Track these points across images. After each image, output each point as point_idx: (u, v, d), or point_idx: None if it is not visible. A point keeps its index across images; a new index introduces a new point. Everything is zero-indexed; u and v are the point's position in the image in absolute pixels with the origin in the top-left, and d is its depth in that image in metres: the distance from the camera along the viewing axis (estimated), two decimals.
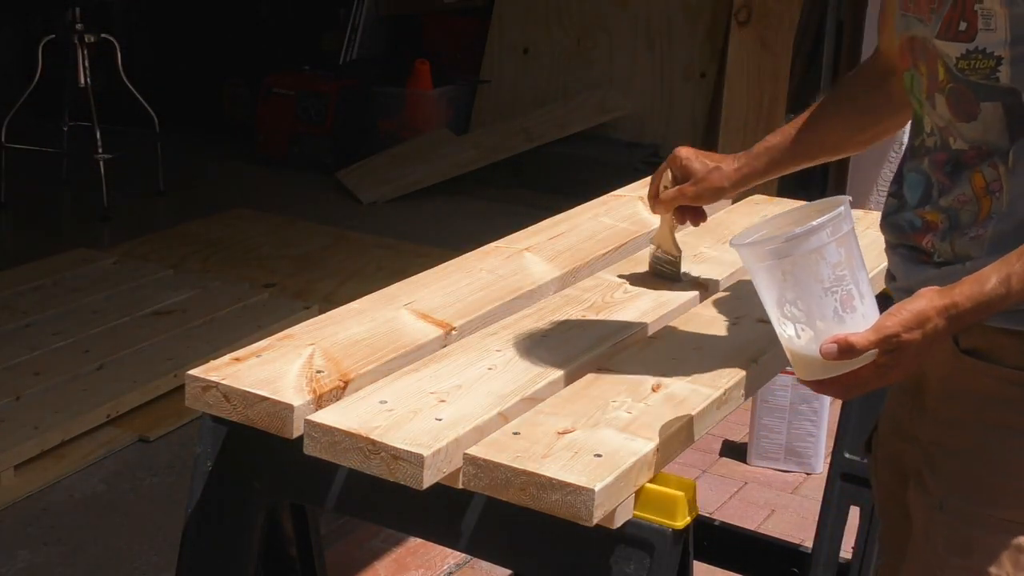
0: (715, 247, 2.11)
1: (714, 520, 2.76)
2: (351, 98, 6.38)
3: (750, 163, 1.77)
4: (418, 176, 6.04)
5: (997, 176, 1.40)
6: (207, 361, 1.56)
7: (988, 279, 1.34)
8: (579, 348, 1.67)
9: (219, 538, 1.66)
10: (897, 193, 1.55)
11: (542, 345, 1.68)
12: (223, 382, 1.50)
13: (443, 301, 1.81)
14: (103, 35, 5.63)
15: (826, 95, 1.76)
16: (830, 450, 2.58)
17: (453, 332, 1.72)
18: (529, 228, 2.17)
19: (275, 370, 1.54)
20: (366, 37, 6.83)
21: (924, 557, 1.49)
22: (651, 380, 1.58)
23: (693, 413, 1.51)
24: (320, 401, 1.48)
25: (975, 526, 1.44)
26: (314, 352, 1.60)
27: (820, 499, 2.35)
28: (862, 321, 1.34)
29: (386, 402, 1.48)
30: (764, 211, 2.35)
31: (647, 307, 1.84)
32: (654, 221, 2.23)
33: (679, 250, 1.93)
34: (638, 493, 1.39)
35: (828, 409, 3.45)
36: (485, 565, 2.92)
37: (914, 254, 1.50)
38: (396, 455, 1.37)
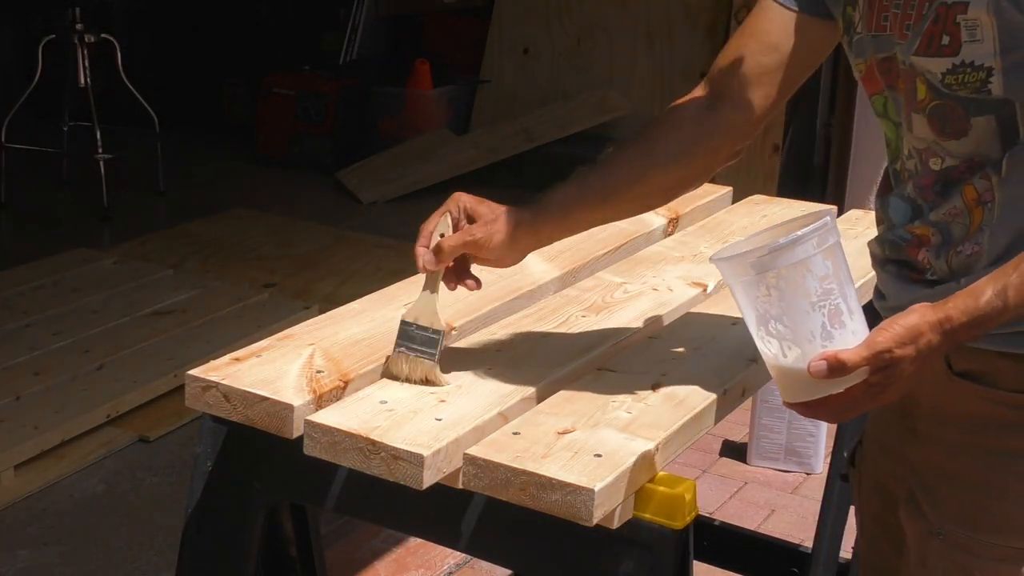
0: (714, 246, 2.11)
1: (714, 520, 2.76)
2: (351, 98, 6.38)
3: (542, 209, 1.57)
4: (418, 176, 6.04)
5: (989, 187, 1.36)
6: (207, 361, 1.56)
7: (983, 292, 1.27)
8: (579, 348, 1.67)
9: (219, 538, 1.66)
10: (882, 217, 1.50)
11: (542, 345, 1.68)
12: (223, 382, 1.50)
13: (443, 301, 1.80)
14: (103, 35, 5.63)
15: (627, 142, 1.62)
16: (830, 450, 2.58)
17: (453, 332, 1.72)
18: None
19: (275, 370, 1.54)
20: (366, 37, 6.83)
21: None
22: (651, 380, 1.58)
23: (693, 413, 1.51)
24: (320, 401, 1.48)
25: (975, 555, 1.40)
26: (314, 352, 1.60)
27: (820, 499, 2.35)
28: (852, 337, 1.26)
29: (386, 402, 1.48)
30: (764, 211, 2.35)
31: (647, 307, 1.84)
32: (653, 220, 2.24)
33: (443, 325, 1.57)
34: (638, 493, 1.39)
35: None
36: (485, 565, 2.92)
37: (905, 271, 1.46)
38: (396, 455, 1.37)
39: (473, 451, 1.37)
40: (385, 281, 1.91)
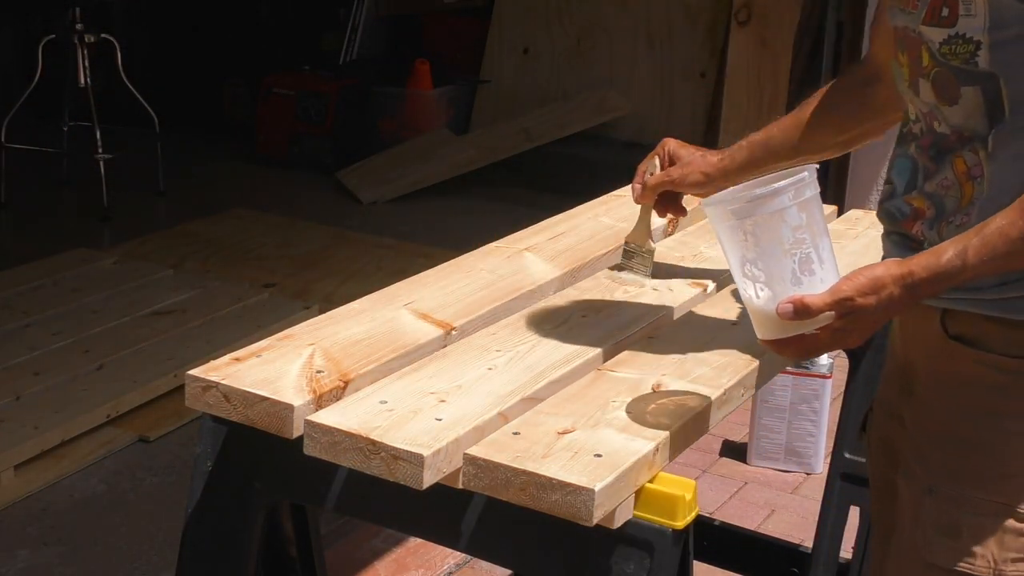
0: (714, 246, 2.11)
1: (714, 520, 2.76)
2: (351, 98, 6.38)
3: (732, 156, 1.82)
4: (418, 176, 6.04)
5: (978, 161, 1.43)
6: (207, 361, 1.56)
7: (945, 251, 1.37)
8: (579, 348, 1.67)
9: (219, 538, 1.66)
10: (889, 179, 1.58)
11: (542, 345, 1.68)
12: (223, 382, 1.50)
13: (443, 301, 1.81)
14: (103, 35, 5.63)
15: (809, 98, 1.79)
16: (830, 450, 2.58)
17: (453, 332, 1.72)
18: (529, 228, 2.17)
19: (275, 370, 1.54)
20: (366, 37, 6.83)
21: (912, 540, 1.52)
22: (651, 380, 1.58)
23: (693, 413, 1.51)
24: (320, 401, 1.48)
25: (964, 509, 1.47)
26: (314, 352, 1.60)
27: (820, 499, 2.35)
28: (819, 285, 1.37)
29: (386, 402, 1.48)
30: None
31: (647, 307, 1.84)
32: (655, 222, 2.23)
33: (653, 246, 1.96)
34: (638, 493, 1.39)
35: (828, 409, 3.45)
36: (485, 565, 2.92)
37: (906, 241, 1.53)
38: (396, 455, 1.37)
39: (473, 451, 1.37)
40: (385, 281, 1.90)
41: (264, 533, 1.67)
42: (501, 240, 2.10)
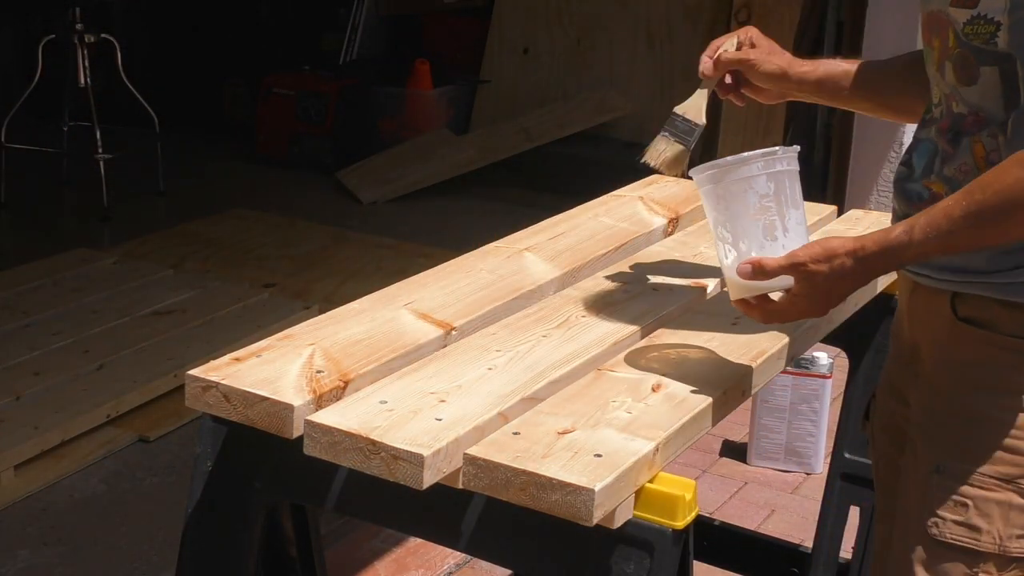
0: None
1: (714, 520, 2.76)
2: (351, 98, 6.38)
3: (813, 69, 1.81)
4: (418, 176, 6.04)
5: (996, 146, 1.46)
6: (207, 361, 1.56)
7: (895, 228, 1.46)
8: (579, 348, 1.67)
9: (219, 538, 1.66)
10: (907, 161, 1.61)
11: (541, 345, 1.68)
12: (223, 382, 1.50)
13: (443, 301, 1.81)
14: (103, 35, 5.63)
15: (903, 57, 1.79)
16: (830, 450, 2.59)
17: (453, 332, 1.72)
18: (529, 228, 2.17)
19: (275, 370, 1.54)
20: (366, 37, 6.83)
21: (919, 517, 1.54)
22: (651, 380, 1.58)
23: (693, 413, 1.51)
24: (320, 401, 1.48)
25: (970, 484, 1.50)
26: (314, 352, 1.60)
27: (820, 499, 2.36)
28: (780, 251, 1.49)
29: (386, 402, 1.48)
30: None
31: (647, 307, 1.84)
32: (653, 220, 2.24)
33: (703, 121, 1.88)
34: (638, 493, 1.39)
35: (828, 409, 3.45)
36: (485, 565, 2.92)
37: None
38: (396, 455, 1.37)
39: (473, 451, 1.37)
40: (385, 281, 1.90)
41: (264, 533, 1.67)
42: (501, 240, 2.10)
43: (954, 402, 1.54)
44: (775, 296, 1.52)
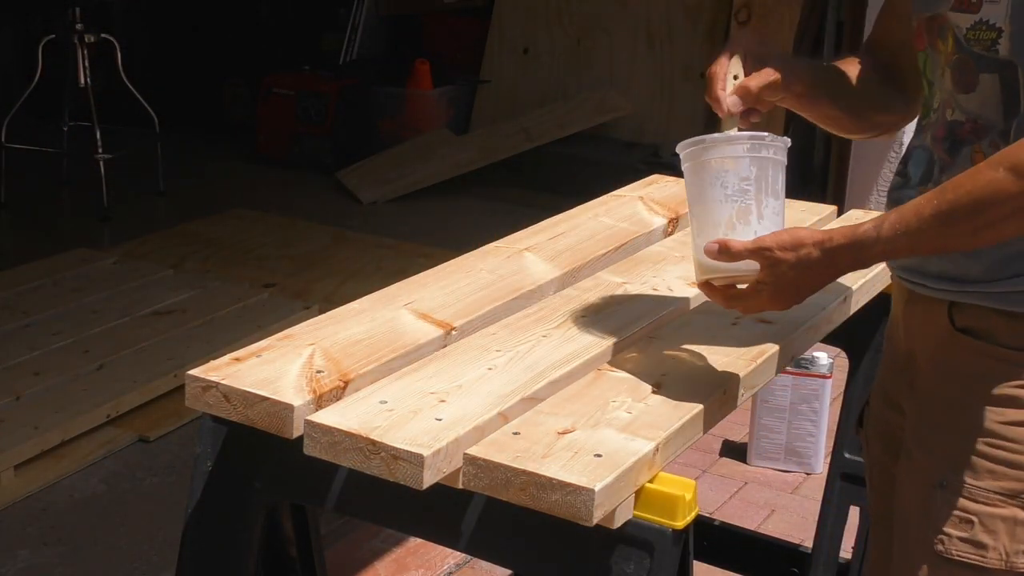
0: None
1: (714, 520, 2.76)
2: (351, 98, 6.38)
3: (794, 69, 1.61)
4: (418, 176, 6.04)
5: None
6: (207, 361, 1.56)
7: (864, 223, 1.43)
8: (579, 348, 1.67)
9: (219, 538, 1.66)
10: (903, 171, 1.59)
11: (541, 345, 1.68)
12: (223, 382, 1.50)
13: (443, 301, 1.81)
14: (103, 35, 5.63)
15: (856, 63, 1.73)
16: (830, 450, 2.59)
17: (453, 332, 1.72)
18: (529, 228, 2.17)
19: (275, 370, 1.54)
20: (366, 37, 6.83)
21: (922, 533, 1.52)
22: (651, 380, 1.58)
23: (693, 413, 1.51)
24: (320, 401, 1.48)
25: (974, 500, 1.48)
26: (314, 352, 1.60)
27: (820, 499, 2.36)
28: (751, 236, 1.45)
29: (386, 402, 1.48)
30: None
31: (647, 307, 1.84)
32: (653, 220, 2.24)
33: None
34: (638, 493, 1.39)
35: (828, 409, 3.45)
36: (485, 565, 2.92)
37: None
38: (396, 455, 1.37)
39: (473, 451, 1.37)
40: (385, 281, 1.90)
41: (264, 533, 1.67)
42: (501, 240, 2.10)
43: (954, 415, 1.51)
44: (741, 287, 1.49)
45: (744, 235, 1.46)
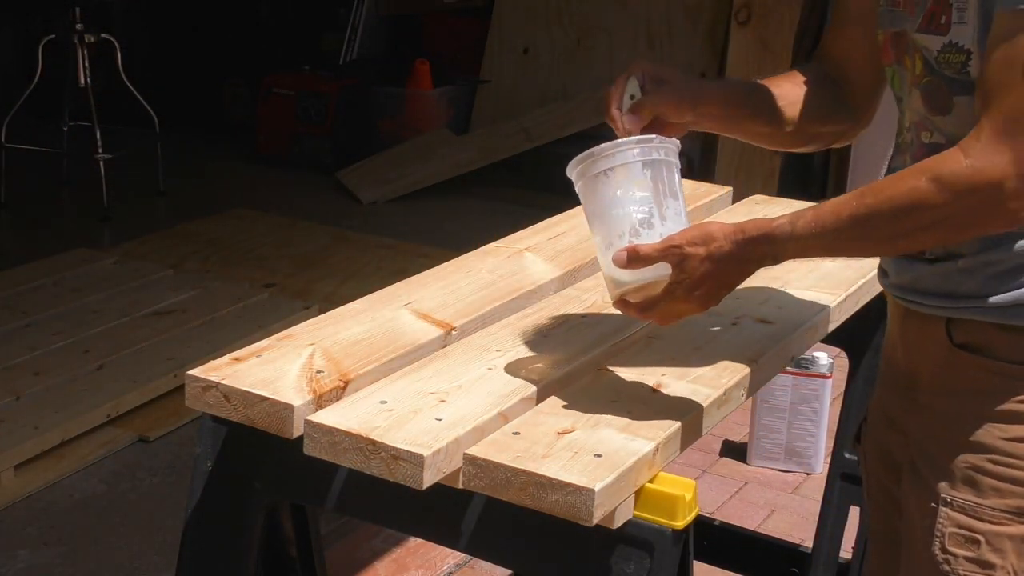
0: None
1: (714, 520, 2.76)
2: (351, 98, 6.38)
3: (709, 91, 1.64)
4: (418, 176, 6.04)
5: None
6: (207, 361, 1.56)
7: (781, 217, 1.41)
8: (579, 348, 1.67)
9: (219, 538, 1.66)
10: None
11: (542, 345, 1.68)
12: (223, 382, 1.50)
13: (443, 301, 1.81)
14: (103, 35, 5.63)
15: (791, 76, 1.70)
16: (830, 450, 2.59)
17: (453, 332, 1.72)
18: (529, 228, 2.17)
19: (275, 370, 1.54)
20: (366, 37, 6.83)
21: (928, 551, 1.50)
22: (651, 380, 1.58)
23: (693, 413, 1.51)
24: (320, 401, 1.48)
25: (980, 519, 1.46)
26: (314, 352, 1.60)
27: (820, 499, 2.36)
28: (658, 239, 1.42)
29: (386, 402, 1.48)
30: (764, 210, 2.35)
31: None
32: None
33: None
34: (638, 493, 1.39)
35: (828, 409, 3.45)
36: (485, 565, 2.92)
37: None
38: (396, 455, 1.37)
39: (473, 451, 1.37)
40: (385, 281, 1.90)
41: (264, 533, 1.67)
42: (501, 240, 2.10)
43: (957, 431, 1.48)
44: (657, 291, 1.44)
45: (650, 239, 1.42)
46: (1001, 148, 1.31)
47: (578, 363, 1.63)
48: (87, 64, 5.55)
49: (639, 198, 1.43)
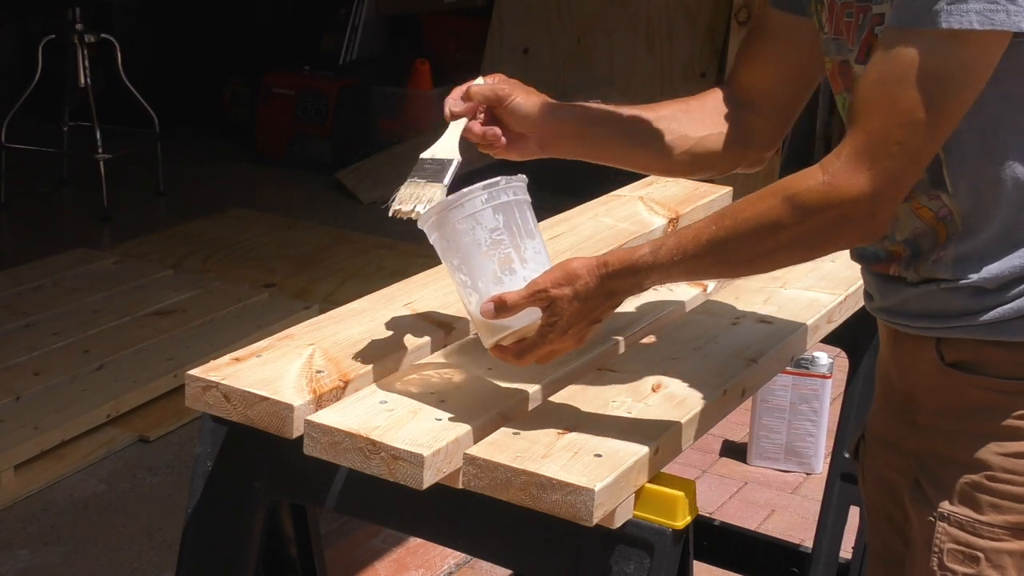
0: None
1: (714, 520, 2.76)
2: (351, 98, 6.38)
3: (573, 110, 1.68)
4: None
5: (943, 204, 1.40)
6: (207, 361, 1.56)
7: (644, 247, 1.39)
8: (579, 348, 1.67)
9: (219, 538, 1.66)
10: None
11: None
12: (223, 382, 1.50)
13: (443, 301, 1.81)
14: (103, 35, 5.63)
15: (663, 102, 1.69)
16: (830, 450, 2.59)
17: (453, 332, 1.72)
18: None
19: (275, 370, 1.54)
20: (366, 37, 6.83)
21: (927, 567, 1.48)
22: (651, 380, 1.58)
23: (693, 413, 1.51)
24: (320, 401, 1.48)
25: (979, 535, 1.44)
26: (314, 352, 1.60)
27: (820, 499, 2.36)
28: (522, 283, 1.40)
29: (386, 402, 1.48)
30: None
31: (647, 307, 1.84)
32: (653, 220, 2.24)
33: (457, 155, 1.66)
34: (638, 493, 1.39)
35: (828, 409, 3.45)
36: (485, 565, 2.92)
37: (886, 278, 1.50)
38: (396, 455, 1.37)
39: (473, 451, 1.37)
40: (385, 281, 1.90)
41: (264, 533, 1.67)
42: None
43: (956, 449, 1.46)
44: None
45: (513, 284, 1.41)
46: (860, 167, 1.29)
47: (578, 363, 1.63)
48: (87, 64, 5.54)
49: (494, 244, 1.41)
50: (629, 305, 1.85)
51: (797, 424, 3.47)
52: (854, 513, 2.28)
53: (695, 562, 1.51)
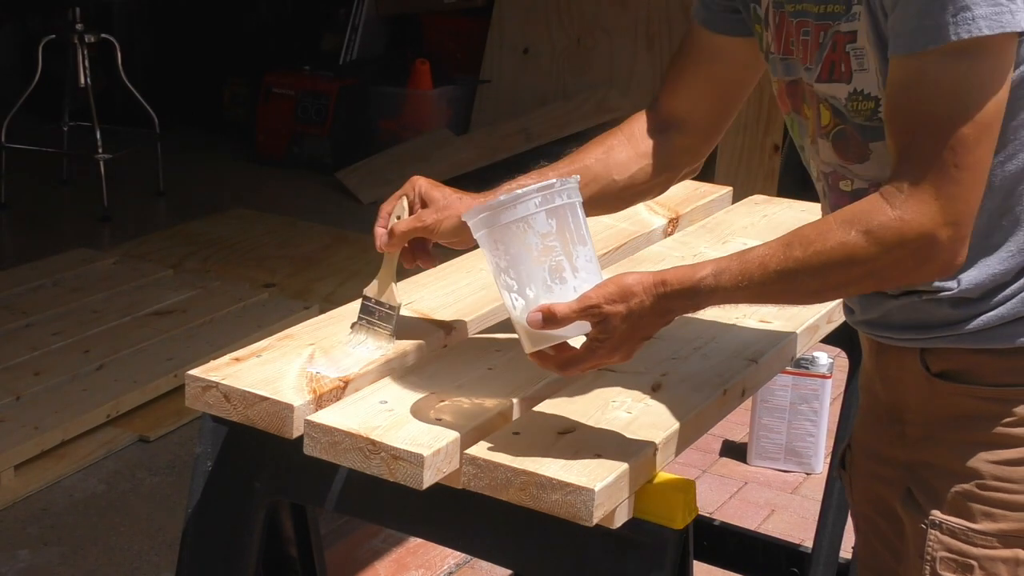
0: (714, 246, 2.11)
1: (714, 520, 2.76)
2: (351, 98, 6.38)
3: (495, 195, 1.60)
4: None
5: None
6: (207, 361, 1.56)
7: (704, 268, 1.35)
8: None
9: (219, 538, 1.66)
10: None
11: None
12: (223, 382, 1.50)
13: (443, 301, 1.81)
14: (103, 35, 5.63)
15: (582, 147, 1.68)
16: (830, 450, 2.59)
17: (453, 332, 1.72)
18: None
19: (275, 370, 1.54)
20: (366, 37, 6.83)
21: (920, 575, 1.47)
22: (651, 380, 1.58)
23: (693, 413, 1.51)
24: (320, 401, 1.48)
25: (972, 543, 1.43)
26: (314, 352, 1.60)
27: (820, 499, 2.36)
28: (572, 293, 1.36)
29: (386, 402, 1.48)
30: (764, 211, 2.35)
31: None
32: (653, 220, 2.24)
33: (398, 302, 1.64)
34: (638, 493, 1.39)
35: (828, 409, 3.45)
36: (485, 565, 2.92)
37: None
38: (396, 455, 1.37)
39: (473, 451, 1.37)
40: None
41: (264, 533, 1.67)
42: None
43: (946, 458, 1.45)
44: (575, 343, 1.39)
45: (563, 294, 1.36)
46: (926, 198, 1.27)
47: None
48: (87, 64, 5.54)
49: (546, 249, 1.37)
50: None
51: (797, 424, 3.47)
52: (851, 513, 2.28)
53: (695, 562, 1.51)
